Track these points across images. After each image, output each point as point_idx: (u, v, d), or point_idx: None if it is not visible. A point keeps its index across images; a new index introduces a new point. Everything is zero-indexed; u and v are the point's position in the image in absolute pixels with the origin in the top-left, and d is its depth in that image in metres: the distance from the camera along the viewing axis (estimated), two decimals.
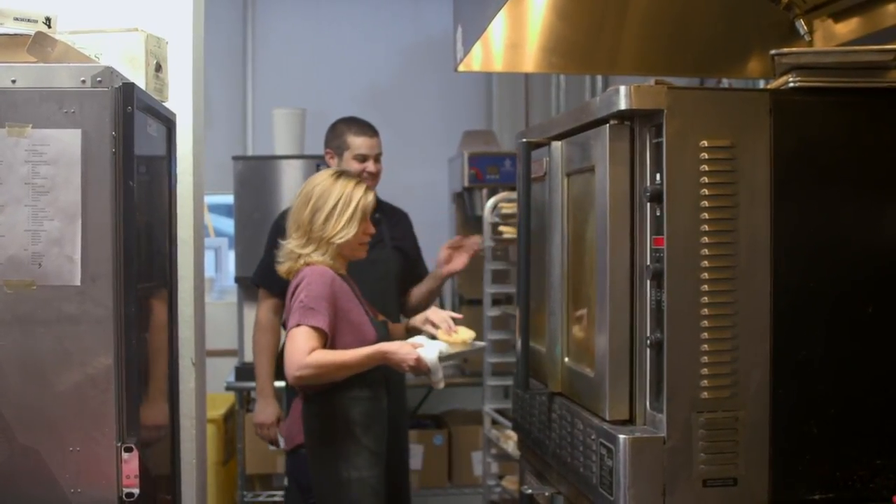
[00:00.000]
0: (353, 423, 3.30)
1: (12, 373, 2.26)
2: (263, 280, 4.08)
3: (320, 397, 3.30)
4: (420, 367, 3.23)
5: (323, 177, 3.40)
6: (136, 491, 2.28)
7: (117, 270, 2.28)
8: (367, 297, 3.54)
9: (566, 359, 2.60)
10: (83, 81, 2.28)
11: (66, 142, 2.26)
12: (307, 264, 3.30)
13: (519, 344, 2.73)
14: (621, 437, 2.19)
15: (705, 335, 2.17)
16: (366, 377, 3.28)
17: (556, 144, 2.61)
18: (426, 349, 3.24)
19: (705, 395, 2.18)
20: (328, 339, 3.20)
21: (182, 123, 3.12)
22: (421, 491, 5.50)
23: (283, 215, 4.03)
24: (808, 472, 2.23)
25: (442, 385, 3.30)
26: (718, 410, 2.19)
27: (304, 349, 3.14)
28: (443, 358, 3.26)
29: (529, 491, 2.83)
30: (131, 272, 2.30)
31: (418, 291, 4.23)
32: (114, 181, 2.28)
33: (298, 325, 3.17)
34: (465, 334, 3.41)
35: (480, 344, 3.53)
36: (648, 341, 2.23)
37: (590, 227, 2.43)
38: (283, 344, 3.32)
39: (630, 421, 2.28)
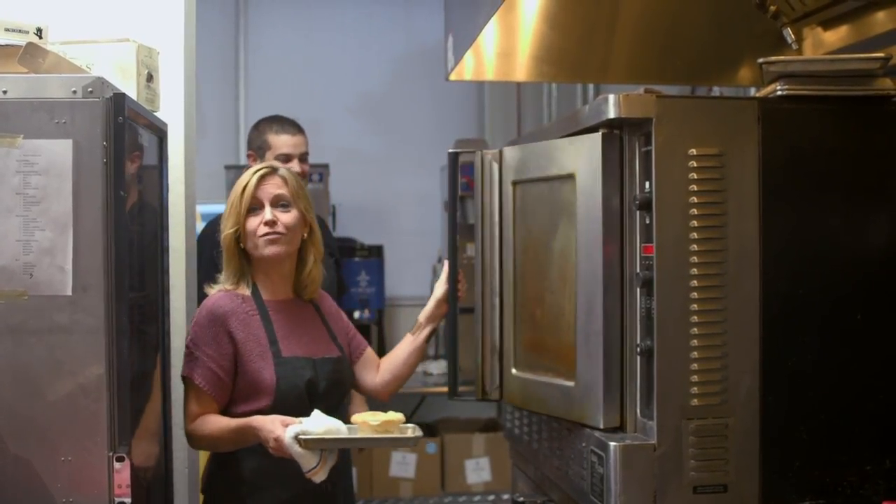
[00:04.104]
0: (240, 481, 2.70)
1: (4, 383, 2.26)
2: None
3: None
4: (282, 450, 2.52)
5: None
6: (127, 500, 2.28)
7: (108, 280, 2.28)
8: None
9: (514, 370, 2.64)
10: (74, 92, 2.28)
11: (58, 152, 2.26)
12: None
13: (448, 353, 2.84)
14: (612, 444, 2.19)
15: (695, 342, 2.18)
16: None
17: (491, 153, 2.72)
18: (292, 428, 2.52)
19: (695, 401, 2.18)
20: (216, 390, 2.68)
21: (174, 133, 3.12)
22: (414, 499, 5.50)
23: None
24: (798, 479, 2.23)
25: (318, 478, 2.54)
26: (708, 417, 2.19)
27: (189, 414, 2.71)
28: (311, 441, 2.50)
29: (521, 499, 2.83)
30: (122, 282, 2.30)
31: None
32: (105, 191, 2.28)
33: (183, 375, 2.72)
34: (374, 416, 2.62)
35: (408, 434, 2.65)
36: (638, 349, 2.23)
37: (562, 235, 2.43)
38: None
39: (621, 428, 2.29)
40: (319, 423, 2.53)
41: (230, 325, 2.69)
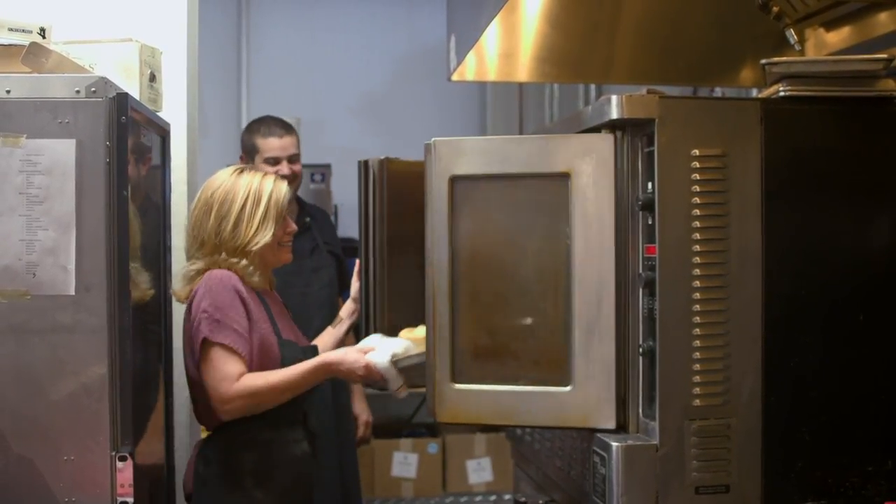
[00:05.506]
0: (244, 472, 2.71)
1: (7, 382, 2.27)
2: None
3: (214, 439, 2.78)
4: (372, 376, 2.72)
5: (222, 177, 2.81)
6: (130, 500, 2.28)
7: (111, 280, 2.28)
8: (313, 308, 3.36)
9: (455, 385, 2.39)
10: (77, 92, 2.29)
11: (61, 152, 2.27)
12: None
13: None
14: (614, 444, 2.19)
15: (697, 343, 2.18)
16: (269, 415, 2.71)
17: (378, 159, 2.91)
18: (378, 353, 2.72)
19: (697, 402, 2.18)
20: (245, 351, 2.67)
21: (176, 133, 3.13)
22: (415, 499, 5.50)
23: None
24: (800, 479, 2.23)
25: (403, 394, 2.76)
26: (711, 418, 2.19)
27: (229, 376, 2.63)
28: (402, 360, 2.70)
29: (523, 499, 2.83)
30: (125, 281, 2.30)
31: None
32: (108, 191, 2.28)
33: (208, 340, 2.63)
34: (416, 332, 2.78)
35: None
36: (640, 349, 2.23)
37: (543, 234, 2.39)
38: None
39: (623, 429, 2.29)
40: (398, 344, 2.74)
41: (243, 295, 2.72)
